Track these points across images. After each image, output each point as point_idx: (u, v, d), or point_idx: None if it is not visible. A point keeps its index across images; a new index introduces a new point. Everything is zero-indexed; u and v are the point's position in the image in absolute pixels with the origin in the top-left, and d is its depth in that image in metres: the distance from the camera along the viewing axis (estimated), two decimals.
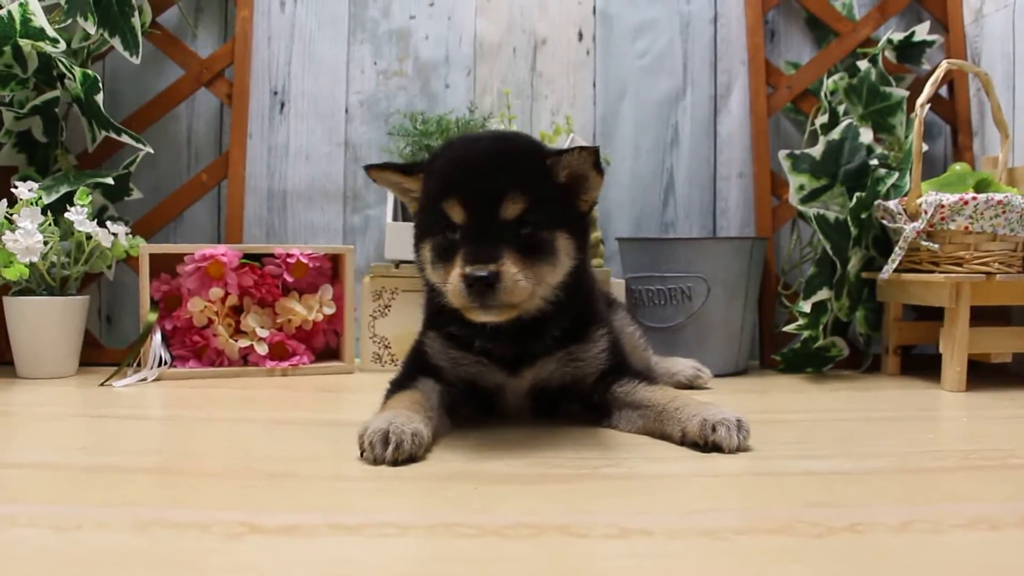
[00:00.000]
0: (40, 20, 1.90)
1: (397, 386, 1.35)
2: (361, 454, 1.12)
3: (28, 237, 1.82)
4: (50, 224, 1.91)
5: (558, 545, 0.81)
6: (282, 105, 2.37)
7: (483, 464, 1.14)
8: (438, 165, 1.29)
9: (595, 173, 1.28)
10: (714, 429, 1.20)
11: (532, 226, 1.21)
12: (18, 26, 1.90)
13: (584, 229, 1.34)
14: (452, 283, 1.18)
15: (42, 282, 1.96)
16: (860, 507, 0.95)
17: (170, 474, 1.11)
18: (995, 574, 0.75)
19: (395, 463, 1.10)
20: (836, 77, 2.23)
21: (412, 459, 1.12)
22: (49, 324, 1.94)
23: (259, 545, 0.81)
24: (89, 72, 1.99)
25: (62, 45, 1.94)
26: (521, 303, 1.19)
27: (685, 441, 1.24)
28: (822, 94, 2.20)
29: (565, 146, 2.17)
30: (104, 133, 2.07)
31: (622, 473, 1.10)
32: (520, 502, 0.97)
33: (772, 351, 2.20)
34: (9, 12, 1.88)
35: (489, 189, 1.20)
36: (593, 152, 1.25)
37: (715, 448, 1.20)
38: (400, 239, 2.07)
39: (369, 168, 1.36)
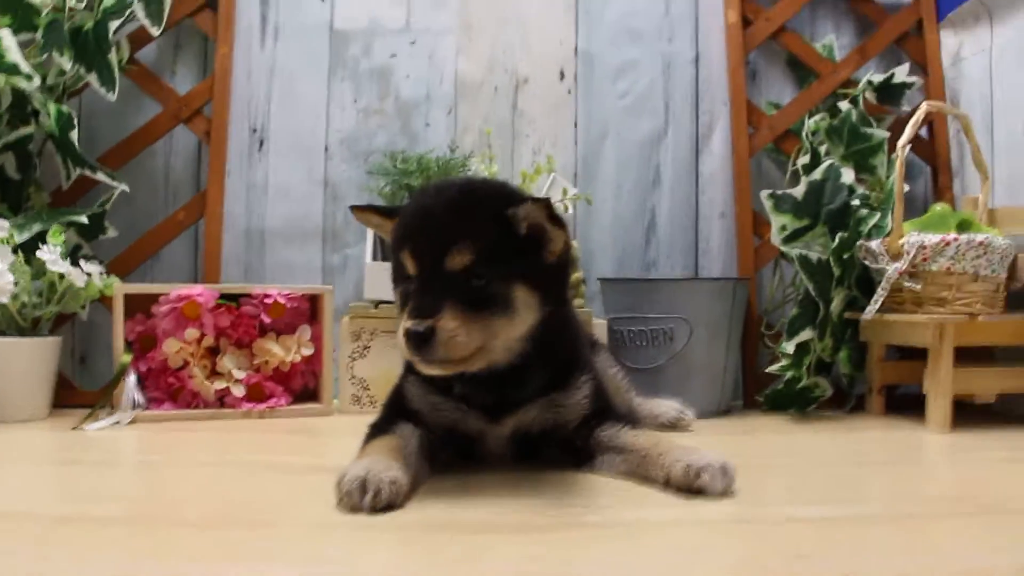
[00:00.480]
0: (14, 55, 1.88)
1: (376, 430, 1.32)
2: (339, 502, 1.09)
3: None
4: (22, 263, 1.87)
5: None
6: (261, 143, 2.35)
7: (462, 512, 1.11)
8: (403, 212, 1.30)
9: (551, 225, 1.24)
10: (698, 475, 1.17)
11: (484, 279, 1.19)
12: None
13: (556, 280, 1.32)
14: (399, 335, 1.18)
15: (12, 323, 1.91)
16: (852, 557, 0.92)
17: (141, 523, 1.07)
18: None
19: (373, 511, 1.07)
20: (817, 118, 2.23)
21: (391, 507, 1.09)
22: (19, 366, 1.89)
23: None
24: (64, 109, 1.96)
25: (36, 81, 1.92)
26: (464, 358, 1.18)
27: (669, 486, 1.21)
28: (803, 134, 2.20)
29: (545, 187, 2.18)
30: (79, 170, 2.05)
31: (604, 521, 1.07)
32: (500, 552, 0.94)
33: (755, 392, 2.18)
34: None
35: (437, 240, 1.20)
36: (544, 205, 1.21)
37: (699, 492, 1.17)
38: (379, 279, 2.05)
39: (354, 208, 1.37)
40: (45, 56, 1.97)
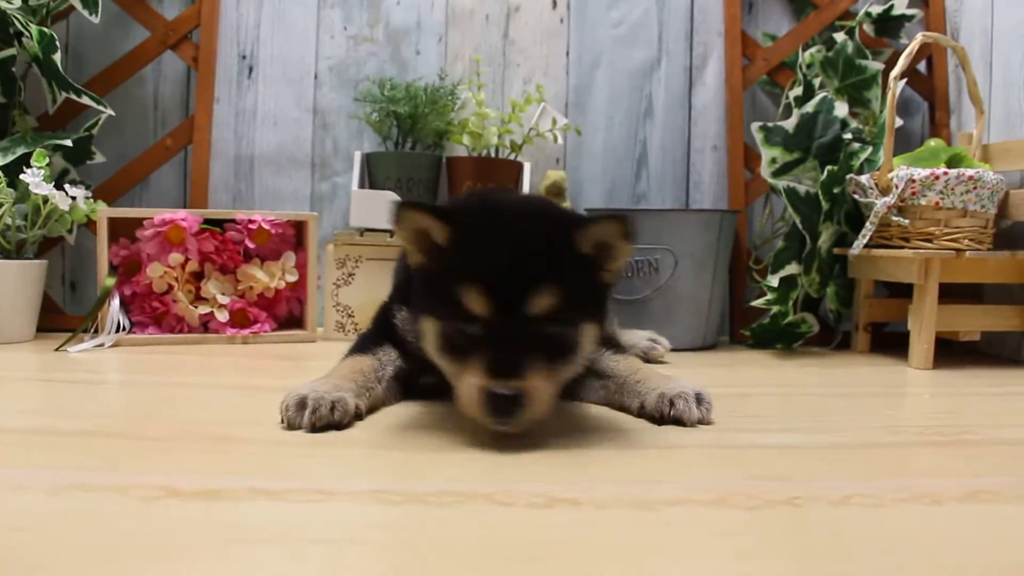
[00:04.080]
0: None
1: (357, 348, 1.31)
2: (280, 420, 1.10)
3: None
4: (5, 186, 1.87)
5: (483, 512, 0.78)
6: (250, 69, 2.32)
7: (419, 435, 1.11)
8: (470, 227, 1.07)
9: (624, 243, 1.08)
10: (672, 403, 1.17)
11: (559, 323, 1.05)
12: None
13: (606, 300, 1.19)
14: (467, 392, 1.02)
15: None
16: (802, 481, 0.92)
17: (104, 437, 1.08)
18: (927, 548, 0.73)
19: (313, 429, 1.08)
20: (813, 50, 2.19)
21: (334, 427, 1.09)
22: (4, 288, 1.90)
23: (174, 508, 0.78)
24: (46, 30, 1.94)
25: (16, 2, 1.89)
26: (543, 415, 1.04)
27: (643, 413, 1.21)
28: (798, 67, 2.16)
29: (536, 116, 2.15)
30: (64, 95, 2.03)
31: (562, 443, 1.07)
32: (448, 471, 0.94)
33: (742, 326, 2.17)
34: None
35: (521, 279, 1.02)
36: (624, 223, 1.05)
37: (675, 422, 1.16)
38: (365, 207, 2.04)
39: (403, 207, 1.06)
40: None
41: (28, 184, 1.86)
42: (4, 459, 0.96)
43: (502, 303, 1.01)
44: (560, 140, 2.18)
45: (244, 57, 2.32)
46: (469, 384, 1.01)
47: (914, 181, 1.82)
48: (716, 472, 0.97)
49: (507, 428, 1.01)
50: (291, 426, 1.08)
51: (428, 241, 1.08)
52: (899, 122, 1.99)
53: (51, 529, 0.72)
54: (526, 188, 2.13)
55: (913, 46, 1.90)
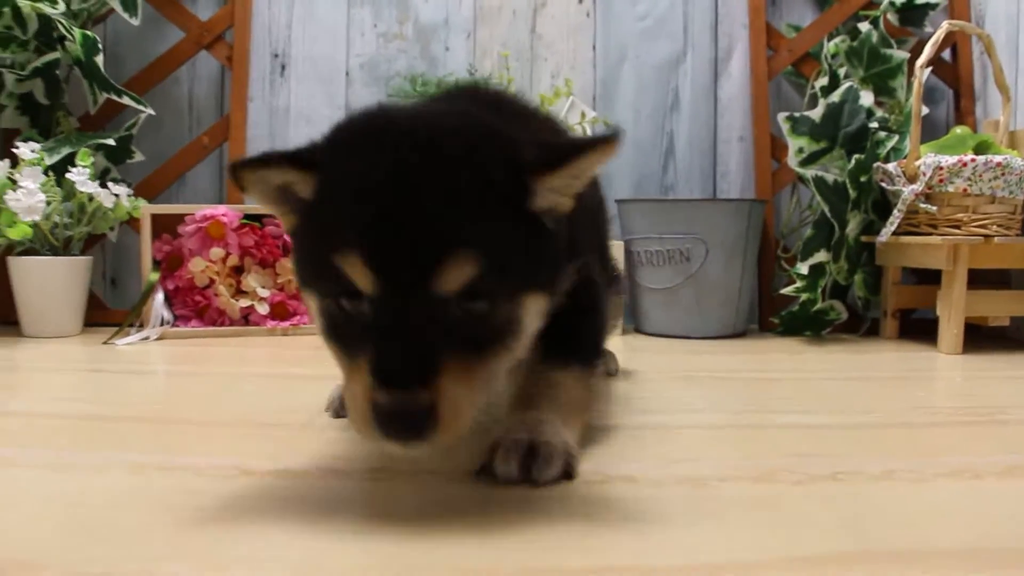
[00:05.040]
0: None
1: None
2: (326, 408, 1.15)
3: (30, 196, 1.83)
4: (52, 184, 1.92)
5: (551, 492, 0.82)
6: (283, 68, 2.37)
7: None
8: (334, 171, 0.75)
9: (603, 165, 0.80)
10: (492, 452, 0.84)
11: (488, 298, 0.73)
12: None
13: (559, 252, 0.84)
14: (353, 401, 0.72)
15: (45, 242, 1.97)
16: (843, 457, 0.96)
17: (165, 423, 1.13)
18: (973, 519, 0.76)
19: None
20: (837, 40, 2.21)
21: None
22: (53, 283, 1.95)
23: (250, 485, 0.82)
24: (89, 33, 1.99)
25: (61, 6, 1.95)
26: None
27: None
28: (823, 57, 2.19)
29: (564, 110, 2.19)
30: (105, 95, 2.08)
31: (608, 424, 1.11)
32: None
33: (770, 314, 2.20)
34: None
35: (418, 242, 0.70)
36: (614, 143, 0.75)
37: (487, 473, 0.83)
38: None
39: (240, 167, 0.78)
40: None
41: (74, 183, 1.91)
42: (77, 442, 1.01)
43: (395, 274, 0.70)
44: (588, 132, 2.21)
45: (276, 56, 2.37)
46: (356, 391, 0.71)
47: (941, 168, 1.84)
48: (757, 451, 1.00)
49: (413, 452, 0.72)
50: (337, 415, 1.12)
51: (295, 197, 0.78)
52: (924, 110, 2.01)
53: (139, 503, 0.77)
54: None
55: (939, 35, 1.92)
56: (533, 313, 0.80)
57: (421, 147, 0.73)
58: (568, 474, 0.84)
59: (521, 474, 0.81)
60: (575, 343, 0.98)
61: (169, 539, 0.69)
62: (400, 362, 0.69)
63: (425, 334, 0.70)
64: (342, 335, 0.76)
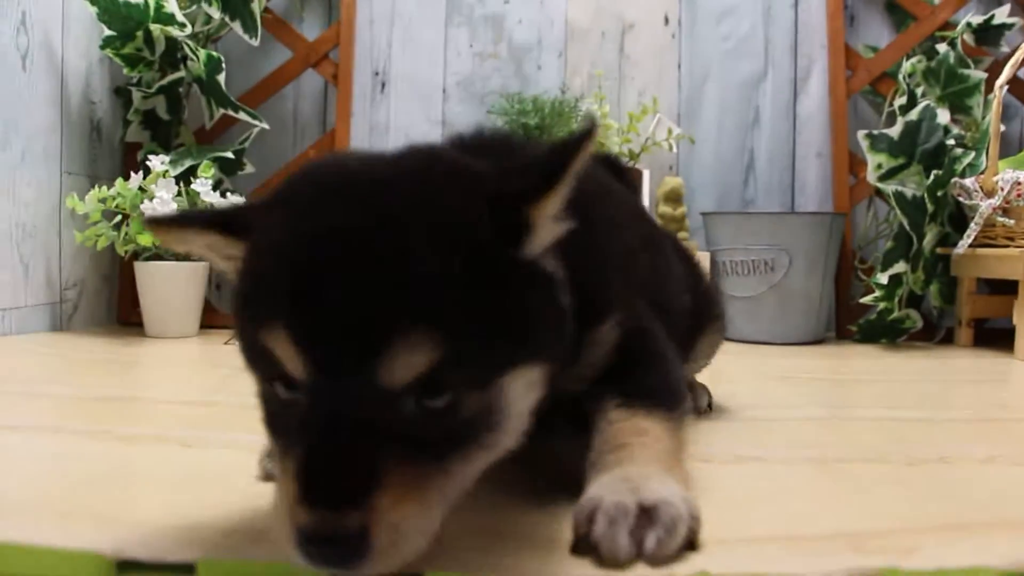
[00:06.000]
0: (171, 6, 2.07)
1: None
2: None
3: (164, 206, 1.99)
4: (179, 194, 2.08)
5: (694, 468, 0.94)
6: (383, 85, 2.52)
7: None
8: (266, 234, 0.61)
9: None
10: (591, 520, 0.63)
11: (450, 390, 0.57)
12: (151, 12, 2.07)
13: (557, 308, 0.66)
14: (276, 512, 0.57)
15: (169, 248, 2.13)
16: (945, 444, 1.06)
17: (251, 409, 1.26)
18: None
19: None
20: (914, 60, 2.30)
21: None
22: (175, 287, 2.11)
23: None
24: (214, 54, 2.16)
25: (188, 29, 2.11)
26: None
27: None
28: (900, 76, 2.28)
29: (652, 127, 2.31)
30: (222, 111, 2.24)
31: (736, 415, 1.22)
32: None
33: (848, 322, 2.30)
34: (145, 0, 2.05)
35: (361, 321, 0.55)
36: (591, 137, 0.60)
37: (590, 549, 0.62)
38: None
39: (155, 227, 0.67)
40: (194, 7, 2.16)
41: (199, 192, 2.07)
42: (206, 423, 1.15)
43: (330, 358, 0.56)
44: (674, 148, 2.33)
45: (377, 74, 2.52)
46: (278, 497, 0.58)
47: (1019, 184, 1.93)
48: (865, 438, 1.11)
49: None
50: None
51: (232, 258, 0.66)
52: (1001, 127, 2.10)
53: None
54: (645, 195, 2.28)
55: (1019, 55, 2.00)
56: (523, 389, 0.63)
57: (366, 200, 0.59)
58: (691, 543, 0.64)
59: (634, 547, 0.61)
60: (647, 390, 0.79)
61: None
62: (328, 474, 0.54)
63: (365, 436, 0.54)
64: (277, 427, 0.63)
